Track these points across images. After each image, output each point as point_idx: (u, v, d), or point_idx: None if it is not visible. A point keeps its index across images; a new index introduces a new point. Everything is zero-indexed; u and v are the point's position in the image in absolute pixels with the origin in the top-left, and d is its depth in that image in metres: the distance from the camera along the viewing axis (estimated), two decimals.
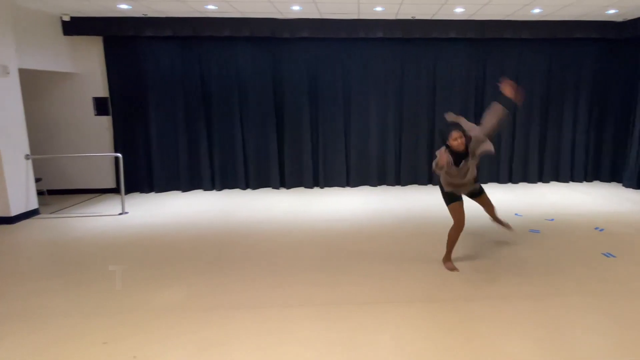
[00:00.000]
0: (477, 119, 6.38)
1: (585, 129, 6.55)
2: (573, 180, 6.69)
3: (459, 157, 2.94)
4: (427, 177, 6.54)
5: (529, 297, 2.83)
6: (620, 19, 5.82)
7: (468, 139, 2.92)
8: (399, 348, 2.24)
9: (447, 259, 3.29)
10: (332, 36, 5.87)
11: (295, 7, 5.17)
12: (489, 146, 2.96)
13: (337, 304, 2.74)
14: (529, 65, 6.34)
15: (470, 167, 2.99)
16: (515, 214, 4.84)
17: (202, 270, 3.31)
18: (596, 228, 4.33)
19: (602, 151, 6.64)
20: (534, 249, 3.74)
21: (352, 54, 6.14)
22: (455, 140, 2.86)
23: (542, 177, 6.68)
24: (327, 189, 6.36)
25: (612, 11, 5.36)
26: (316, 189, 6.36)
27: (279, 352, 2.21)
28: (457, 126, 2.96)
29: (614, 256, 3.54)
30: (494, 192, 6.09)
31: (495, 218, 3.68)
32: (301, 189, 6.36)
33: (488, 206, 3.51)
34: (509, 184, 6.59)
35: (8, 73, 4.64)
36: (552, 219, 4.68)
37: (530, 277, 3.15)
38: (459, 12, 5.39)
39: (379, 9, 5.23)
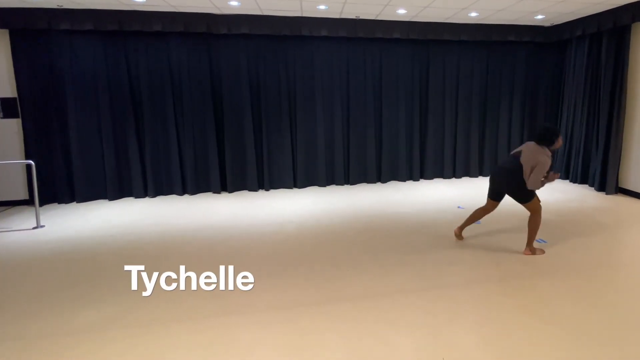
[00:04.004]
0: (421, 118, 6.83)
1: (519, 126, 7.32)
2: None
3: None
4: (375, 176, 6.78)
5: (469, 283, 3.17)
6: (547, 24, 6.62)
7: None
8: (347, 347, 2.34)
9: (532, 247, 3.70)
10: (275, 33, 5.94)
11: (234, 3, 5.16)
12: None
13: (283, 308, 2.79)
14: (468, 66, 6.97)
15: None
16: (458, 207, 5.23)
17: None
18: None
19: None
20: (474, 239, 4.07)
21: (296, 52, 6.26)
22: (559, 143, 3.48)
23: (482, 171, 7.24)
24: (272, 192, 6.37)
25: (540, 17, 6.04)
26: (261, 192, 6.34)
27: None
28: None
29: (545, 241, 3.94)
30: (439, 186, 6.50)
31: (470, 221, 4.00)
32: (244, 193, 6.31)
33: (486, 211, 3.88)
34: (453, 179, 7.07)
35: None
36: None
37: (470, 265, 3.51)
38: (401, 13, 5.75)
39: (322, 7, 5.40)
